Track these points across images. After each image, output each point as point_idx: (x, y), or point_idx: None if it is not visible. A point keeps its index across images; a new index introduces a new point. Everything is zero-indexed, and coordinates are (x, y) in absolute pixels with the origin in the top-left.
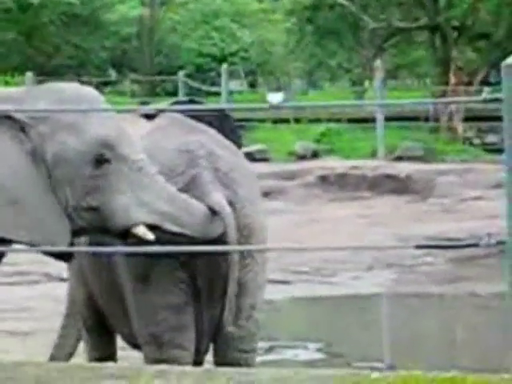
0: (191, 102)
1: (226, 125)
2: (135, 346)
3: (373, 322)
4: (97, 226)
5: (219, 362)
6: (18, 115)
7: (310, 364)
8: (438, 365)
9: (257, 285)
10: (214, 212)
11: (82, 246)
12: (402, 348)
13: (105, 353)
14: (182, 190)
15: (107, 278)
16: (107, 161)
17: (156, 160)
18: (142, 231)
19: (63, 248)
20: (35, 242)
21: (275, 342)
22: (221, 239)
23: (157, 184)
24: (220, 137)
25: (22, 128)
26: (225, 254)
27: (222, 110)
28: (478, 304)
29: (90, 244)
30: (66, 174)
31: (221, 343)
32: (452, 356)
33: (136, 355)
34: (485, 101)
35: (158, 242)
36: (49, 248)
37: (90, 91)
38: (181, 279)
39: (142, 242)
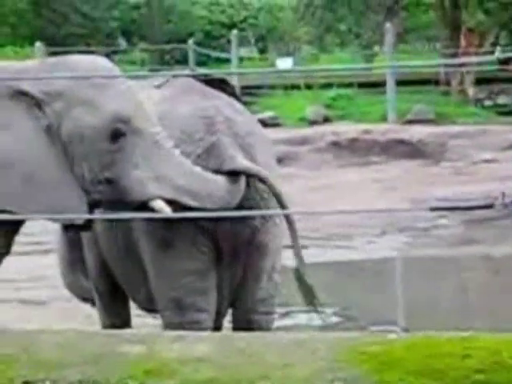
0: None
1: (228, 93)
2: (151, 311)
3: (387, 285)
4: (114, 200)
5: (238, 325)
6: (33, 91)
7: (325, 328)
8: (451, 327)
9: (276, 247)
10: (235, 176)
11: (99, 213)
12: (416, 311)
13: (119, 320)
14: (202, 155)
15: (124, 244)
16: (123, 135)
17: (173, 126)
18: (159, 205)
19: (82, 215)
20: (52, 215)
21: (290, 308)
22: (243, 203)
23: (173, 157)
24: (234, 102)
25: (38, 104)
26: (247, 218)
27: (222, 79)
28: (492, 266)
29: (107, 210)
30: (82, 149)
31: (241, 306)
32: (466, 318)
33: (150, 322)
34: (498, 60)
35: (179, 207)
36: (69, 215)
37: (105, 64)
38: (203, 244)
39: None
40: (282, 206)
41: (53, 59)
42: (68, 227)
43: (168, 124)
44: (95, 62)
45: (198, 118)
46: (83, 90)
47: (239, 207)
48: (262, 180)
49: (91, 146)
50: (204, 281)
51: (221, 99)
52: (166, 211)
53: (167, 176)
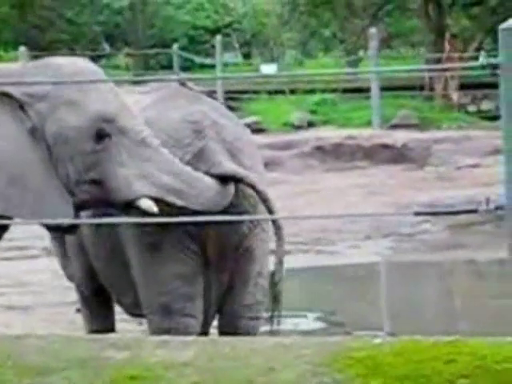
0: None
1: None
2: (137, 315)
3: (371, 290)
4: (100, 199)
5: (224, 330)
6: (17, 94)
7: (310, 333)
8: (436, 332)
9: (263, 252)
10: (224, 181)
11: (85, 218)
12: (401, 316)
13: (104, 325)
14: (191, 161)
15: (110, 248)
16: (108, 135)
17: (161, 131)
18: (146, 204)
19: (70, 220)
20: (38, 218)
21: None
22: (231, 210)
23: (160, 156)
24: (221, 106)
25: (21, 106)
26: (235, 224)
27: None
28: (476, 271)
29: (94, 215)
30: (66, 151)
31: (228, 311)
32: (451, 323)
33: (135, 328)
34: (482, 66)
35: (166, 212)
36: (57, 220)
37: (88, 65)
38: (190, 249)
39: (149, 213)
40: (270, 211)
41: (36, 62)
42: (53, 230)
43: (156, 129)
44: (78, 64)
45: (186, 122)
46: (66, 91)
47: (227, 213)
48: (250, 185)
49: (76, 147)
50: (191, 286)
51: (208, 104)
52: (153, 210)
53: (153, 174)
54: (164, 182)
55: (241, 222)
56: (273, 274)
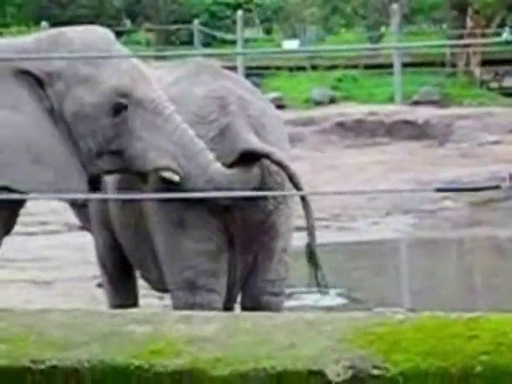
0: None
1: None
2: (162, 291)
3: (392, 267)
4: (120, 169)
5: (247, 306)
6: (35, 71)
7: (331, 309)
8: (457, 309)
9: (288, 229)
10: (250, 159)
11: (111, 193)
12: (421, 293)
13: (127, 300)
14: (216, 137)
15: (136, 223)
16: (125, 107)
17: (186, 108)
18: (167, 174)
19: (98, 195)
20: (57, 194)
21: (296, 289)
22: (256, 186)
23: (169, 124)
24: (245, 82)
25: (40, 84)
26: (260, 201)
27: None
28: (497, 248)
29: (120, 189)
30: (86, 128)
31: (251, 287)
32: (471, 300)
33: (157, 303)
34: (507, 42)
35: (193, 189)
36: (84, 195)
37: (100, 34)
38: (215, 226)
39: (173, 188)
40: (297, 186)
41: (48, 35)
42: (80, 206)
43: (181, 106)
44: (90, 35)
45: (210, 98)
46: (80, 67)
47: (252, 189)
48: (276, 161)
49: (95, 123)
50: (216, 262)
51: (232, 79)
52: (175, 179)
53: (162, 145)
54: (171, 152)
55: (266, 199)
56: (308, 246)
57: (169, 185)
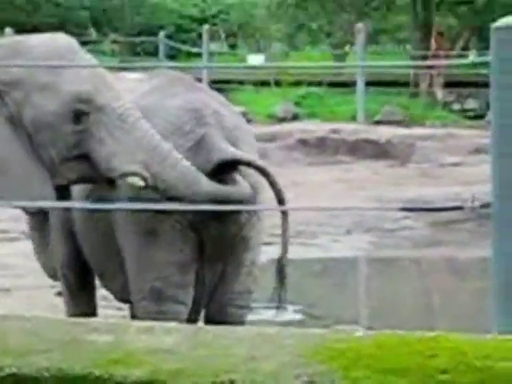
0: None
1: None
2: (124, 301)
3: (351, 285)
4: (85, 176)
5: (212, 316)
6: None
7: (288, 325)
8: (414, 328)
9: (258, 242)
10: (225, 168)
11: (77, 202)
12: (379, 312)
13: (86, 309)
14: (192, 148)
15: (103, 232)
16: (86, 114)
17: (161, 118)
18: (131, 180)
19: (68, 203)
20: (20, 202)
21: (254, 303)
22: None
23: (137, 131)
24: (218, 95)
25: None
26: (234, 213)
27: None
28: (456, 269)
29: (88, 198)
30: (47, 135)
31: (218, 298)
32: (428, 319)
33: (116, 314)
34: (473, 64)
35: (166, 198)
36: (62, 203)
37: (62, 41)
38: (189, 237)
39: (145, 199)
40: (279, 194)
41: (8, 42)
42: (35, 213)
43: (156, 117)
44: (51, 43)
45: (186, 110)
46: (39, 75)
47: (226, 202)
48: (258, 168)
49: (56, 131)
50: (186, 273)
51: (206, 92)
52: (139, 184)
53: (130, 151)
54: (138, 158)
55: (240, 212)
56: (279, 260)
57: (140, 193)
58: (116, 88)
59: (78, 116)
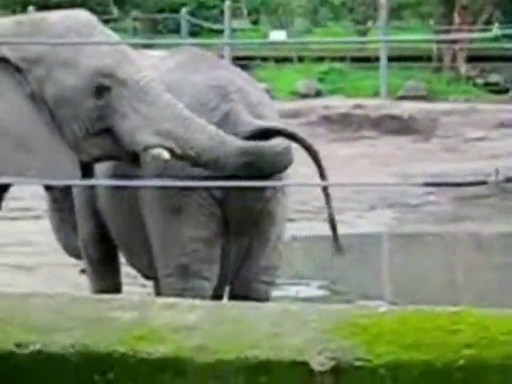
0: None
1: None
2: (149, 278)
3: (375, 260)
4: (109, 153)
5: (237, 292)
6: (13, 58)
7: (312, 301)
8: (438, 303)
9: (283, 217)
10: (252, 138)
11: (102, 179)
12: (402, 287)
13: (110, 286)
14: (218, 124)
15: (129, 210)
16: (108, 88)
17: (186, 95)
18: (156, 152)
19: (94, 181)
20: (45, 179)
21: (278, 279)
22: (255, 175)
23: (159, 102)
24: (242, 72)
25: (19, 71)
26: (258, 189)
27: None
28: (479, 243)
29: (113, 176)
30: (69, 111)
31: (243, 274)
32: (452, 294)
33: (139, 290)
34: (497, 38)
35: (188, 174)
36: (84, 182)
37: (83, 18)
38: (212, 212)
39: (171, 176)
40: (315, 158)
41: (29, 19)
42: (55, 192)
43: (181, 93)
44: (71, 19)
45: (211, 87)
46: (60, 51)
47: (251, 178)
48: (291, 135)
49: (78, 106)
50: (211, 249)
51: (230, 69)
52: (165, 157)
53: (153, 122)
54: (163, 128)
55: (264, 188)
56: (334, 238)
57: (166, 169)
58: (137, 62)
59: (100, 90)
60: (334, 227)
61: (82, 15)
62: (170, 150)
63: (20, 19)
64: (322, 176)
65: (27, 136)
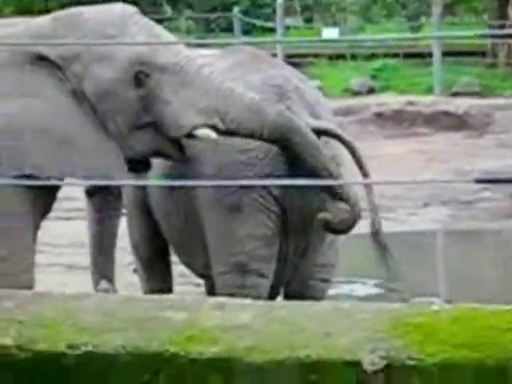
0: None
1: None
2: (204, 277)
3: (429, 258)
4: (154, 147)
5: (292, 289)
6: (52, 56)
7: (367, 299)
8: (493, 301)
9: None
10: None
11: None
12: (458, 285)
13: (161, 286)
14: None
15: (185, 210)
16: (147, 75)
17: None
18: (202, 133)
19: (146, 182)
20: (92, 177)
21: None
22: (314, 173)
23: (200, 77)
24: (297, 71)
25: (59, 68)
26: (317, 188)
27: None
28: None
29: (170, 176)
30: (111, 105)
31: (300, 272)
32: (508, 292)
33: (193, 290)
34: None
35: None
36: (134, 181)
37: (114, 13)
38: (273, 211)
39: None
40: (359, 161)
41: (66, 16)
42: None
43: None
44: (106, 13)
45: (269, 86)
46: (96, 46)
47: (309, 175)
48: (337, 136)
49: (120, 99)
50: (270, 247)
51: (287, 68)
52: (213, 136)
53: (196, 101)
54: (205, 105)
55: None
56: (374, 235)
57: (222, 170)
58: (174, 45)
59: (139, 79)
60: (375, 226)
61: (116, 7)
62: (214, 127)
63: (56, 16)
64: (365, 175)
65: (72, 134)
